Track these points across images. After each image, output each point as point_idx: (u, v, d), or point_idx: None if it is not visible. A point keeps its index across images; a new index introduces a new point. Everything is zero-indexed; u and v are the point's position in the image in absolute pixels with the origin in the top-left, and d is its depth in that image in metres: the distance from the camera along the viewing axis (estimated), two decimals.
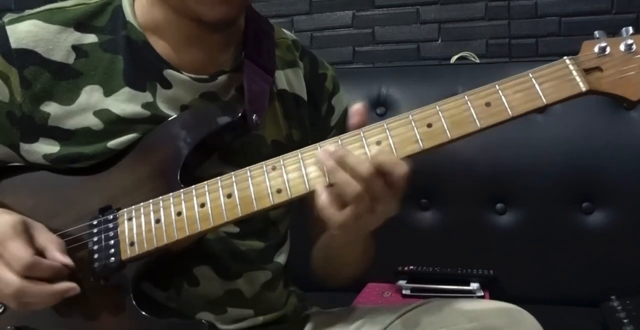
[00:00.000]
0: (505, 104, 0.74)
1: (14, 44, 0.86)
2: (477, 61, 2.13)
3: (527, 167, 1.56)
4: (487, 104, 0.74)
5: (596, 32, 0.76)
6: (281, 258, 1.02)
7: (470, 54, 2.16)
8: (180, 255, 0.87)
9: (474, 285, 1.49)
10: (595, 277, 1.51)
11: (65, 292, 0.80)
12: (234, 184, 0.81)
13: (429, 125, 0.75)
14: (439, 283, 1.51)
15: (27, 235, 0.81)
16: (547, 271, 1.54)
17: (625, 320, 1.27)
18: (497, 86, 0.75)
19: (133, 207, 0.85)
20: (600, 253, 1.51)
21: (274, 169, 0.80)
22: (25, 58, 0.86)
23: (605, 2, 2.06)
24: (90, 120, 0.87)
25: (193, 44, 0.90)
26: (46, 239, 0.83)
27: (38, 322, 0.85)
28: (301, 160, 0.79)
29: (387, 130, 0.76)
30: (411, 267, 1.56)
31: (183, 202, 0.82)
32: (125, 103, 0.88)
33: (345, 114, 0.79)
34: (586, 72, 0.74)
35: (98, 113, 0.88)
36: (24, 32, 0.87)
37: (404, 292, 1.53)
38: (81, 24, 0.89)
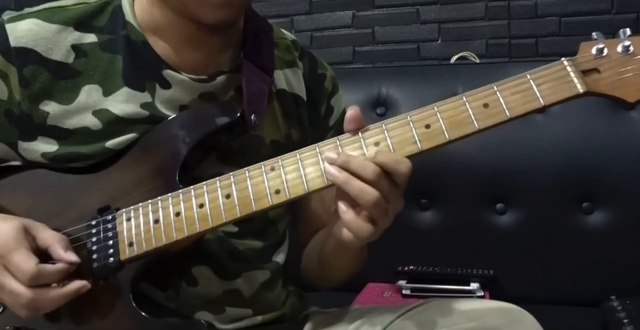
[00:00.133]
0: (503, 105, 0.74)
1: (13, 42, 0.86)
2: (477, 61, 2.13)
3: (527, 167, 1.56)
4: (485, 105, 0.74)
5: (594, 34, 0.75)
6: (280, 257, 1.02)
7: (470, 54, 2.16)
8: (178, 255, 0.87)
9: (474, 285, 1.49)
10: (595, 277, 1.51)
11: (77, 291, 0.81)
12: (233, 184, 0.81)
13: (427, 126, 0.75)
14: (439, 283, 1.51)
15: (29, 240, 0.81)
16: (547, 271, 1.54)
17: (625, 320, 1.27)
18: (495, 87, 0.75)
19: (132, 207, 0.85)
20: (600, 253, 1.51)
21: (272, 169, 0.80)
22: (25, 57, 0.86)
23: (605, 2, 2.06)
24: (89, 120, 0.88)
25: (192, 44, 0.90)
26: (49, 237, 0.83)
27: (37, 322, 0.85)
28: (300, 161, 0.79)
29: (385, 131, 0.76)
30: (411, 267, 1.56)
31: (182, 203, 0.83)
32: (124, 103, 0.88)
33: (344, 114, 0.79)
34: (584, 73, 0.74)
35: (97, 113, 0.88)
36: (24, 30, 0.87)
37: (404, 292, 1.53)
38: (81, 23, 0.90)
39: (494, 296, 1.48)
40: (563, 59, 0.75)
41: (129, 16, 0.90)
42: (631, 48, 0.73)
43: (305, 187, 0.77)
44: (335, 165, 0.74)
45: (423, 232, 1.63)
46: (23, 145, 0.89)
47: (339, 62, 2.30)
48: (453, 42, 2.22)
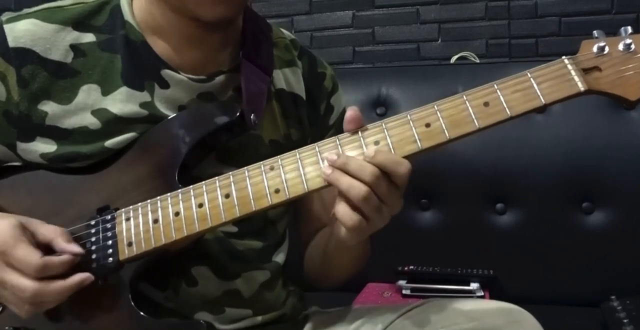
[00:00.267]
0: (504, 103, 0.74)
1: (11, 42, 0.86)
2: (477, 61, 2.13)
3: (527, 167, 1.56)
4: (486, 104, 0.74)
5: (595, 32, 0.75)
6: (280, 257, 1.02)
7: (470, 54, 2.16)
8: (178, 255, 0.87)
9: (474, 285, 1.48)
10: (595, 277, 1.51)
11: (80, 284, 0.80)
12: (232, 184, 0.80)
13: (427, 125, 0.75)
14: (439, 283, 1.51)
15: (28, 236, 0.80)
16: (547, 271, 1.54)
17: (625, 320, 1.27)
18: (495, 86, 0.75)
19: (131, 207, 0.85)
20: (600, 253, 1.51)
21: (272, 169, 0.79)
22: (23, 57, 0.86)
23: (605, 2, 2.06)
24: (88, 120, 0.87)
25: (191, 43, 0.90)
26: (50, 231, 0.82)
27: (36, 322, 0.85)
28: (299, 160, 0.78)
29: (385, 130, 0.76)
30: (411, 267, 1.56)
31: (181, 202, 0.82)
32: (123, 102, 0.88)
33: (344, 113, 0.78)
34: (585, 71, 0.73)
35: (96, 112, 0.87)
36: (22, 31, 0.87)
37: (404, 292, 1.53)
38: (79, 23, 0.89)
39: (494, 296, 1.48)
40: (564, 57, 0.74)
41: (127, 16, 0.90)
42: (632, 46, 0.72)
43: (305, 186, 0.77)
44: (335, 166, 0.74)
45: (423, 232, 1.63)
46: (22, 146, 0.89)
47: (339, 62, 2.29)
48: (453, 42, 2.22)
